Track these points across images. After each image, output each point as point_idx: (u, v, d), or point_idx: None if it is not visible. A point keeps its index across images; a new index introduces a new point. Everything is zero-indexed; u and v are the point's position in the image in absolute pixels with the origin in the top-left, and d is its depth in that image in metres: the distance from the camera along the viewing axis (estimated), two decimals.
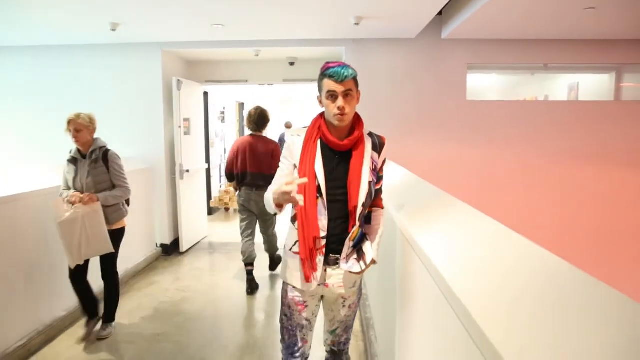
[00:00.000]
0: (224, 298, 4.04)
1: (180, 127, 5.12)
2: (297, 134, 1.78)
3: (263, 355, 3.03)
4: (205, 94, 6.46)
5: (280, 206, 1.65)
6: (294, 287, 1.84)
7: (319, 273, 1.75)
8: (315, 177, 1.69)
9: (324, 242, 1.73)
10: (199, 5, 3.55)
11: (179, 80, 5.06)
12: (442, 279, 1.10)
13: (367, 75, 4.97)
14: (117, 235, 3.17)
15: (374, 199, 1.83)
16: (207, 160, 6.62)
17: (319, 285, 1.80)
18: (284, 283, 1.90)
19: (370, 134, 1.80)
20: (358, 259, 1.77)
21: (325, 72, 1.66)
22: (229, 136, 8.70)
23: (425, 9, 3.84)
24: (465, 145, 5.06)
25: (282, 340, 1.95)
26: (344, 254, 1.75)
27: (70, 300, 3.40)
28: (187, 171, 5.29)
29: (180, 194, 5.21)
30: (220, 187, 8.22)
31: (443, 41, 4.96)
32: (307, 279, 1.75)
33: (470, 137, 5.06)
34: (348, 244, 1.74)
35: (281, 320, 1.94)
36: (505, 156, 5.08)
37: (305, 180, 1.59)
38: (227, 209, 7.81)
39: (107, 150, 3.12)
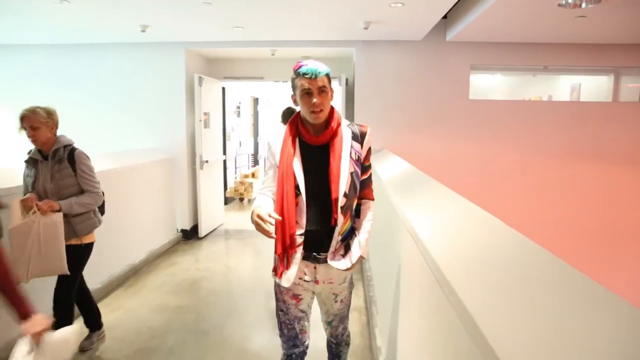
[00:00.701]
0: (239, 277, 4.44)
1: (200, 120, 5.51)
2: (275, 138, 1.84)
3: (275, 325, 3.41)
4: (222, 89, 6.84)
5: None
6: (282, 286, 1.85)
7: (295, 269, 1.76)
8: (294, 176, 1.73)
9: (301, 239, 1.75)
10: (222, 10, 3.91)
11: (200, 77, 5.44)
12: (429, 255, 1.39)
13: (376, 74, 5.30)
14: (82, 252, 2.68)
15: (362, 190, 1.86)
16: (224, 152, 7.01)
17: (308, 282, 1.84)
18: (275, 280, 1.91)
19: (351, 124, 1.84)
20: (344, 255, 1.81)
21: (299, 71, 1.69)
22: (243, 130, 9.09)
23: (430, 14, 4.16)
24: (468, 142, 5.37)
25: (282, 335, 1.96)
26: (332, 247, 1.78)
27: (117, 264, 3.82)
28: (207, 162, 5.68)
29: (200, 183, 5.61)
30: (236, 178, 8.62)
31: (447, 43, 5.26)
32: (279, 274, 1.79)
33: (473, 134, 5.37)
34: (337, 237, 1.77)
35: (278, 316, 1.95)
36: (506, 153, 5.38)
37: (278, 218, 1.65)
38: (241, 199, 8.21)
39: (73, 149, 2.66)
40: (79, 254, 2.64)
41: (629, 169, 5.37)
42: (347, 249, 1.82)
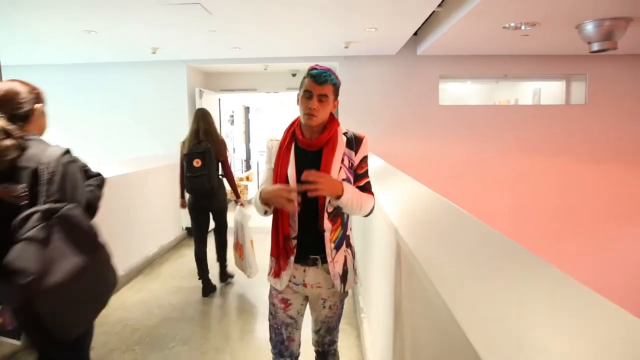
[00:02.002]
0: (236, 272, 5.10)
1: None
2: (276, 138, 1.87)
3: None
4: (218, 99, 7.49)
5: (268, 204, 1.75)
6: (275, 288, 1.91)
7: (289, 272, 1.83)
8: (287, 181, 1.76)
9: (294, 242, 1.80)
10: (224, 35, 4.59)
11: (200, 90, 6.11)
12: (389, 219, 2.04)
13: (357, 85, 6.03)
14: None
15: None
16: None
17: (297, 285, 1.86)
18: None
19: (348, 133, 1.84)
20: (343, 281, 1.85)
21: (309, 72, 1.72)
22: (237, 137, 9.73)
23: (399, 35, 4.88)
24: (439, 142, 6.11)
25: (270, 339, 1.98)
26: (329, 257, 1.80)
27: (133, 256, 4.47)
28: None
29: None
30: None
31: (418, 57, 6.01)
32: (275, 274, 1.86)
33: (443, 135, 6.11)
34: (329, 245, 1.79)
35: (269, 319, 1.97)
36: (472, 151, 6.12)
37: (295, 193, 1.65)
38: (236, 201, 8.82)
39: None
40: None
41: (580, 161, 6.15)
42: (346, 270, 1.85)
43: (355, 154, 1.80)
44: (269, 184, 1.82)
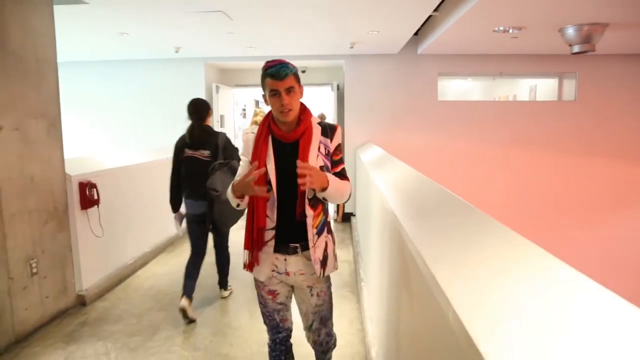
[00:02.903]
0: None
1: (217, 121, 6.67)
2: (252, 131, 1.88)
3: None
4: (232, 93, 7.99)
5: (241, 197, 1.74)
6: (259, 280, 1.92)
7: (268, 263, 1.85)
8: (266, 173, 1.75)
9: (272, 232, 1.81)
10: (241, 36, 5.08)
11: (217, 85, 6.61)
12: (385, 200, 2.58)
13: (362, 82, 6.50)
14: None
15: None
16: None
17: (280, 274, 1.88)
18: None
19: (321, 123, 1.88)
20: (322, 266, 1.87)
21: (266, 72, 1.70)
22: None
23: (400, 36, 5.34)
24: (437, 134, 6.57)
25: (265, 322, 2.04)
26: (311, 242, 1.82)
27: (157, 236, 5.02)
28: None
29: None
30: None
31: (419, 55, 6.46)
32: (249, 267, 1.88)
33: (440, 128, 6.57)
34: (312, 231, 1.82)
35: (260, 307, 2.02)
36: (467, 142, 6.58)
37: (262, 170, 1.68)
38: None
39: None
40: None
41: (570, 154, 6.58)
42: (326, 256, 1.89)
43: (331, 141, 1.85)
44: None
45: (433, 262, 1.18)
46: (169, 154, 5.88)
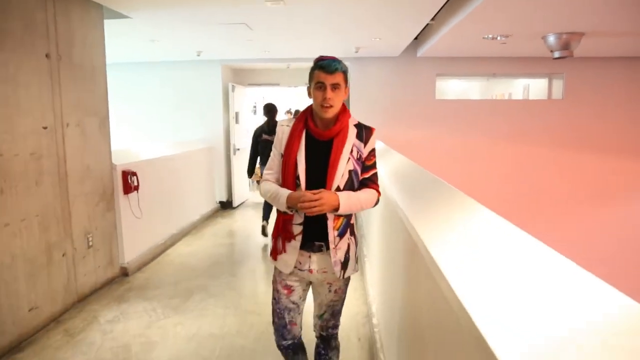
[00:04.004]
0: (258, 234, 6.26)
1: (233, 118, 7.29)
2: (287, 124, 1.87)
3: None
4: (246, 92, 8.59)
5: (290, 208, 1.77)
6: (280, 271, 1.92)
7: (294, 257, 1.84)
8: (296, 166, 1.77)
9: (300, 228, 1.81)
10: (259, 42, 5.68)
11: (233, 85, 7.22)
12: (385, 184, 3.18)
13: (366, 81, 7.08)
14: None
15: (364, 187, 1.86)
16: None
17: (302, 271, 1.87)
18: (275, 267, 1.96)
19: (358, 125, 1.85)
20: (343, 261, 1.86)
21: (317, 64, 1.72)
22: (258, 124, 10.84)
23: (401, 42, 5.92)
24: (434, 130, 7.15)
25: (273, 322, 2.01)
26: (331, 244, 1.81)
27: (183, 219, 5.67)
28: (238, 149, 7.46)
29: (233, 166, 7.39)
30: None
31: (418, 58, 7.03)
32: (273, 254, 1.91)
33: (437, 124, 7.15)
34: (332, 232, 1.80)
35: (272, 303, 2.00)
36: (461, 137, 7.16)
37: (314, 198, 1.67)
38: (258, 182, 9.98)
39: None
40: None
41: (559, 147, 7.14)
42: (347, 258, 1.87)
43: (365, 146, 1.83)
44: (277, 169, 1.88)
45: (422, 232, 1.48)
46: (188, 147, 6.51)
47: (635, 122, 7.02)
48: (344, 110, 1.83)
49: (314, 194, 1.67)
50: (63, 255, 3.47)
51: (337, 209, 1.71)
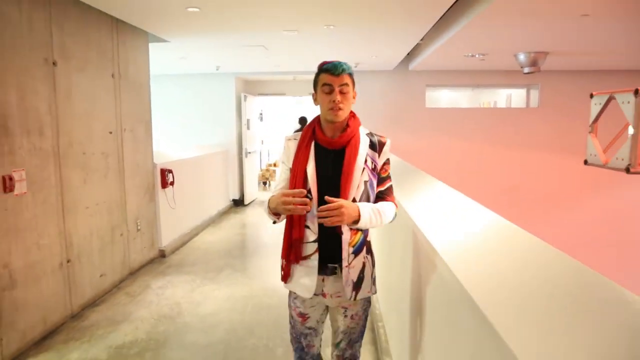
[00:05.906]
0: (269, 226, 7.10)
1: (245, 124, 8.15)
2: (294, 138, 1.77)
3: None
4: (255, 101, 9.45)
5: (277, 214, 1.65)
6: (295, 297, 1.80)
7: (314, 279, 1.69)
8: (306, 180, 1.65)
9: (315, 245, 1.68)
10: (272, 57, 6.55)
11: (245, 95, 8.08)
12: None
13: (364, 92, 7.96)
14: None
15: (381, 199, 1.72)
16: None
17: (316, 295, 1.74)
18: (289, 291, 1.84)
19: (370, 134, 1.76)
20: (355, 289, 1.70)
21: (322, 67, 1.66)
22: (266, 131, 11.72)
23: (394, 58, 6.81)
24: (424, 135, 8.04)
25: (291, 341, 1.93)
26: (345, 261, 1.67)
27: (205, 213, 6.51)
28: (249, 153, 8.32)
29: (245, 167, 8.24)
30: (262, 167, 11.24)
31: (410, 71, 7.93)
32: (283, 278, 1.78)
33: (427, 130, 8.03)
34: (347, 249, 1.66)
35: (289, 325, 1.91)
36: (448, 143, 8.04)
37: (301, 191, 1.55)
38: (264, 183, 10.83)
39: None
40: None
41: (534, 151, 8.03)
42: (361, 278, 1.72)
43: (379, 156, 1.72)
44: (285, 185, 1.76)
45: (415, 216, 1.92)
46: (206, 150, 7.36)
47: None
48: (354, 116, 1.76)
49: (332, 202, 1.51)
50: (121, 235, 4.31)
51: (356, 222, 1.56)
